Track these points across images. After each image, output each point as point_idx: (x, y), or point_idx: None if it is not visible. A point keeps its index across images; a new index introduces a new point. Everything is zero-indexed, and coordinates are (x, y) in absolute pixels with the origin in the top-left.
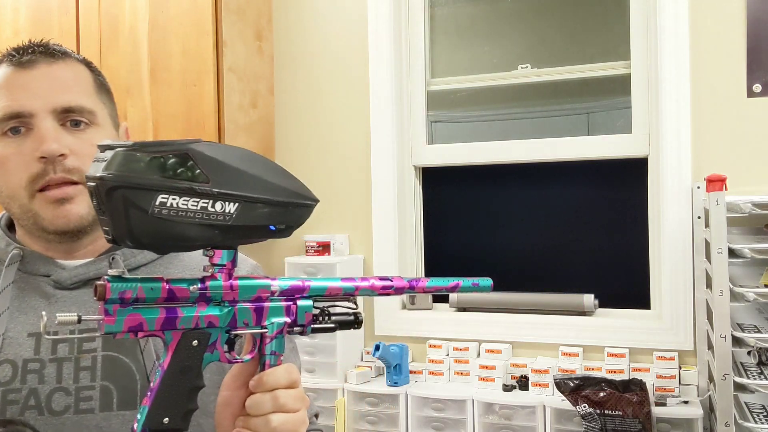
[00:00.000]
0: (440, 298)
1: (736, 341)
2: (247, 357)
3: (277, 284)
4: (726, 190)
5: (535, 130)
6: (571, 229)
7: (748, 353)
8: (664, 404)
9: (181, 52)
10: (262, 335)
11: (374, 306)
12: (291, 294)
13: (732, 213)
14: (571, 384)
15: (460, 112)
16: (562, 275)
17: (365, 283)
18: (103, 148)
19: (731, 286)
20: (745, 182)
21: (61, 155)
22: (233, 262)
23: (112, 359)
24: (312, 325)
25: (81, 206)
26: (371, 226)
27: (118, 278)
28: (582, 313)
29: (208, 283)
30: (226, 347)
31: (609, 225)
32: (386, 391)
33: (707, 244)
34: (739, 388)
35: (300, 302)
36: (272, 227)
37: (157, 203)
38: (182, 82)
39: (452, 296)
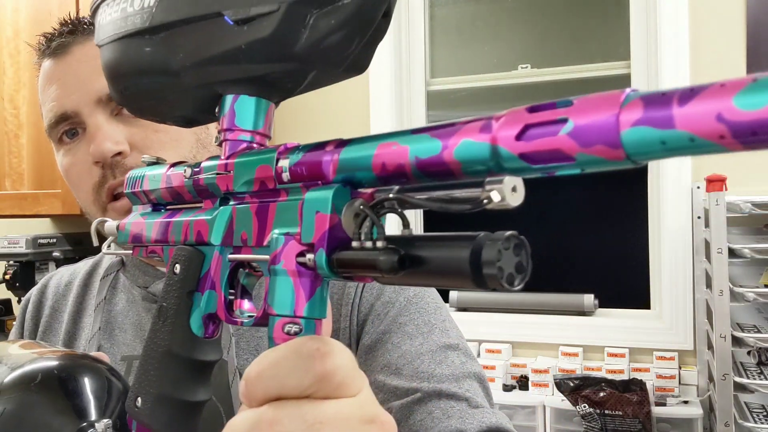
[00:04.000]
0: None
1: (736, 341)
2: (248, 316)
3: (286, 157)
4: (726, 190)
5: None
6: (571, 229)
7: (748, 353)
8: (664, 404)
9: None
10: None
11: None
12: (310, 176)
13: (732, 213)
14: (571, 384)
15: (460, 112)
16: (562, 275)
17: (468, 133)
18: None
19: (731, 286)
20: (745, 182)
21: (118, 154)
22: (234, 114)
23: None
24: (338, 251)
25: None
26: None
27: (153, 165)
28: (582, 313)
29: (203, 164)
30: (225, 288)
31: (609, 225)
32: None
33: (707, 244)
34: (739, 388)
35: (311, 194)
36: (227, 18)
37: (98, 25)
38: None
39: (452, 296)
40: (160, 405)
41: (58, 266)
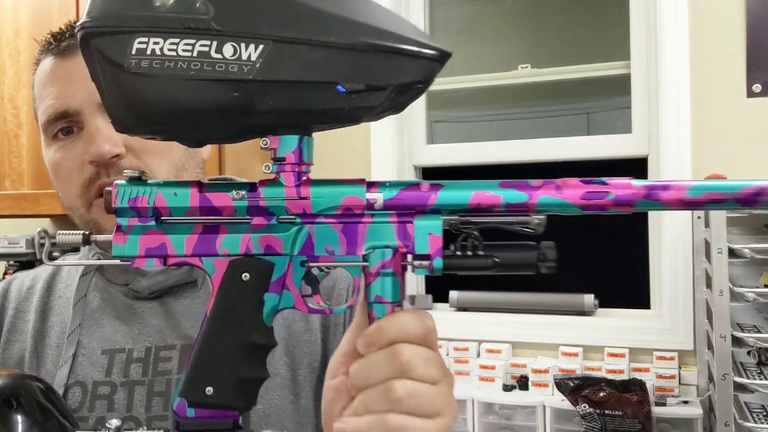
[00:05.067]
0: (440, 298)
1: (736, 341)
2: (344, 306)
3: (377, 191)
4: None
5: (535, 130)
6: (570, 229)
7: (748, 353)
8: (664, 404)
9: None
10: (363, 271)
11: None
12: (404, 207)
13: (732, 213)
14: (571, 384)
15: (460, 112)
16: (562, 275)
17: (547, 190)
18: None
19: (731, 286)
20: None
21: (116, 156)
22: (303, 152)
23: None
24: (446, 257)
25: None
26: None
27: (135, 181)
28: (582, 313)
29: (263, 189)
30: (305, 288)
31: (609, 225)
32: None
33: (707, 244)
34: (739, 388)
35: (419, 221)
36: (341, 88)
37: (133, 51)
38: None
39: (452, 296)
40: (241, 386)
41: None
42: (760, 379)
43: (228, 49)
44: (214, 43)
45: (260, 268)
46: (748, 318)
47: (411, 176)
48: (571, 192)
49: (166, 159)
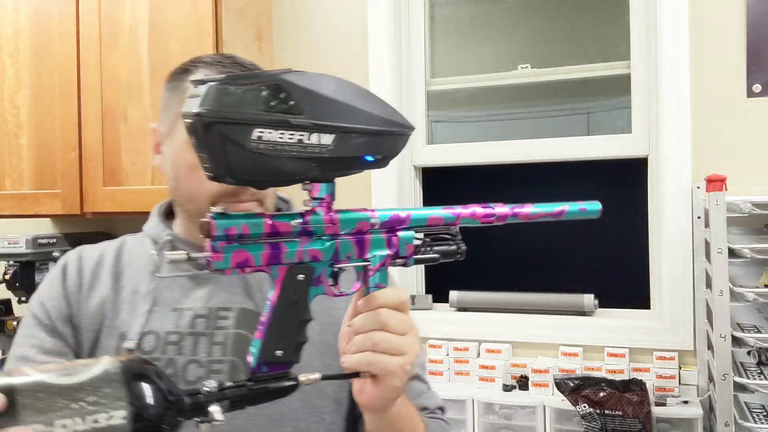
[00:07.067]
0: (440, 298)
1: (736, 341)
2: (352, 290)
3: (377, 216)
4: (726, 190)
5: (535, 130)
6: (571, 229)
7: (748, 353)
8: (664, 404)
9: (181, 52)
10: (365, 268)
11: None
12: (391, 225)
13: (732, 213)
14: (571, 384)
15: (460, 112)
16: (562, 275)
17: (466, 211)
18: (196, 83)
19: (731, 286)
20: (745, 182)
21: None
22: (332, 195)
23: (241, 337)
24: (414, 257)
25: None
26: None
27: (222, 215)
28: (582, 313)
29: (309, 218)
30: (330, 281)
31: (609, 225)
32: None
33: (707, 244)
34: (739, 388)
35: (401, 233)
36: (369, 158)
37: (253, 137)
38: None
39: (452, 296)
40: (297, 348)
41: None
42: (760, 379)
43: (314, 137)
44: (306, 134)
45: (309, 270)
46: (748, 318)
47: (411, 176)
48: (476, 211)
49: (271, 189)
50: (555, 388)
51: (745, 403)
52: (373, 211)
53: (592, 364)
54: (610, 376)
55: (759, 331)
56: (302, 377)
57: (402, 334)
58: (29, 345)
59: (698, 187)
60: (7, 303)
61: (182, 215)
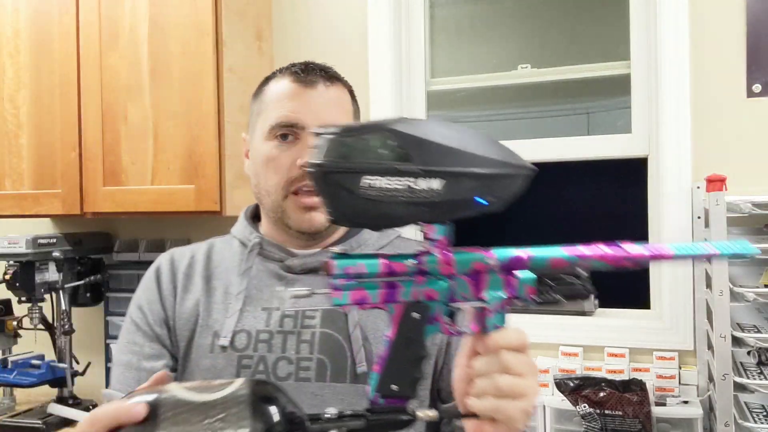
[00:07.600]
0: None
1: (736, 341)
2: (471, 329)
3: (494, 257)
4: (726, 190)
5: (535, 130)
6: (570, 229)
7: (748, 353)
8: (664, 404)
9: (181, 52)
10: (483, 309)
11: None
12: (509, 267)
13: (732, 213)
14: (571, 384)
15: (460, 112)
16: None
17: (594, 253)
18: (316, 134)
19: (731, 286)
20: (745, 182)
21: None
22: (448, 236)
23: (327, 336)
24: (535, 298)
25: (323, 216)
26: None
27: (342, 255)
28: (582, 313)
29: (424, 258)
30: (447, 319)
31: (609, 225)
32: None
33: None
34: (739, 387)
35: (520, 275)
36: (482, 200)
37: (363, 185)
38: (182, 82)
39: None
40: (413, 383)
41: (57, 266)
42: (760, 379)
43: (422, 183)
44: (414, 179)
45: (424, 309)
46: (748, 318)
47: None
48: (606, 253)
49: None
50: (555, 388)
51: (745, 403)
52: (489, 251)
53: (592, 364)
54: (610, 376)
55: (759, 331)
56: (420, 413)
57: (523, 376)
58: (131, 351)
59: (698, 187)
60: (7, 303)
61: (266, 217)
